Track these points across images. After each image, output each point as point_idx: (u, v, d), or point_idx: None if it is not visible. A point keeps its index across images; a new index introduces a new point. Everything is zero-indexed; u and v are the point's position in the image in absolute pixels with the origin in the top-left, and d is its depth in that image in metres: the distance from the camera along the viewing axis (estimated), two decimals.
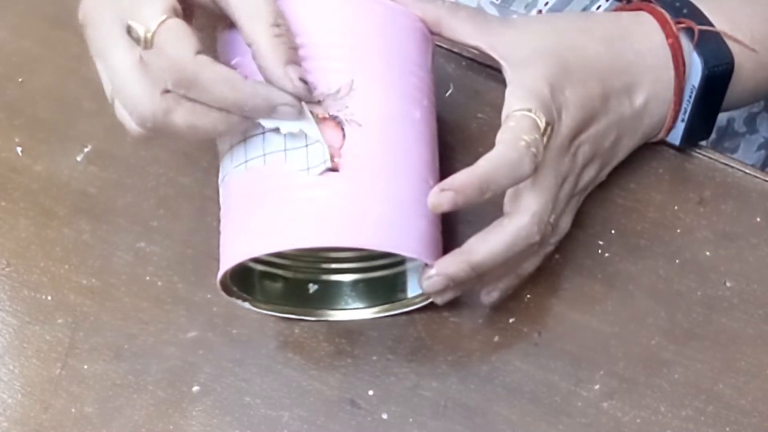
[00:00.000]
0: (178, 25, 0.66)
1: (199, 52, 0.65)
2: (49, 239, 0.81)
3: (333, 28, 0.71)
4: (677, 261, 0.78)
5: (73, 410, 0.76)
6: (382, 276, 0.77)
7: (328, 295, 0.77)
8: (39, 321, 0.78)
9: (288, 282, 0.77)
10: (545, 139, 0.70)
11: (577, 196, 0.76)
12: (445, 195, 0.67)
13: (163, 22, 0.65)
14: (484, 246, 0.71)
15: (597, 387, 0.75)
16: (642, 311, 0.77)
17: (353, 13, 0.71)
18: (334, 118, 0.69)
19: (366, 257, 0.76)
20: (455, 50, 0.84)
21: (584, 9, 0.86)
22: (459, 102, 0.78)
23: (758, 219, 0.80)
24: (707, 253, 0.79)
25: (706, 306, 0.77)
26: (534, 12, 0.86)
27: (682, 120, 0.79)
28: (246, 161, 0.70)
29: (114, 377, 0.77)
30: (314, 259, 0.77)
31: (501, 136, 0.69)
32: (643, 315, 0.77)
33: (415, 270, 0.76)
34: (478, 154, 0.79)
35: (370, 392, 0.76)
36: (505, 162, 0.68)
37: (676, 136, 0.80)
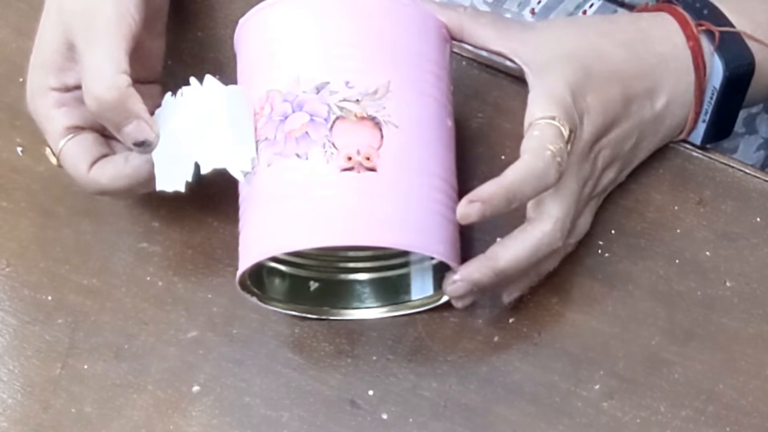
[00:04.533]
0: (71, 149, 0.74)
1: (92, 164, 0.74)
2: (49, 239, 0.81)
3: (369, 29, 0.71)
4: (677, 261, 0.78)
5: (72, 410, 0.76)
6: (387, 276, 0.77)
7: (333, 294, 0.77)
8: (39, 321, 0.79)
9: (293, 279, 0.77)
10: (569, 146, 0.70)
11: (596, 197, 0.77)
12: (473, 206, 0.68)
13: (61, 148, 0.74)
14: (508, 252, 0.71)
15: (597, 387, 0.75)
16: (642, 311, 0.77)
17: (388, 14, 0.72)
18: (372, 118, 0.69)
19: (377, 257, 0.77)
20: (455, 50, 0.84)
21: (577, 7, 0.86)
22: (459, 102, 0.77)
23: (758, 219, 0.79)
24: (707, 253, 0.79)
25: (706, 306, 0.77)
26: (527, 11, 0.86)
27: (703, 120, 0.79)
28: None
29: (114, 377, 0.77)
30: (328, 258, 0.77)
31: (526, 145, 0.70)
32: (643, 315, 0.77)
33: (419, 272, 0.76)
34: (478, 153, 0.80)
35: (370, 392, 0.76)
36: (532, 172, 0.68)
37: (696, 136, 0.80)
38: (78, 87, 0.73)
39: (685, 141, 0.80)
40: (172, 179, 0.72)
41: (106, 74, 0.71)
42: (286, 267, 0.76)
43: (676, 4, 0.79)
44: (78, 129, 0.74)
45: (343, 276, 0.77)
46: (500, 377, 0.76)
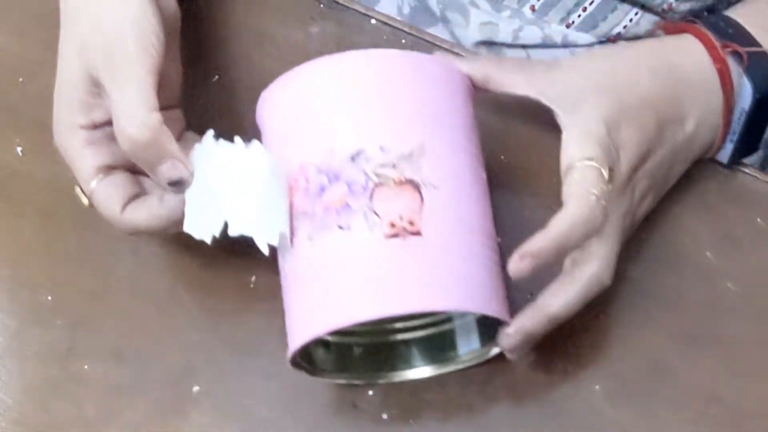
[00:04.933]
0: (104, 190, 0.73)
1: (125, 204, 0.73)
2: (49, 241, 0.81)
3: (398, 91, 0.70)
4: (678, 262, 0.78)
5: (72, 411, 0.76)
6: (432, 334, 0.76)
7: (378, 357, 0.76)
8: (39, 322, 0.78)
9: (338, 347, 0.75)
10: (610, 186, 0.70)
11: (634, 227, 0.77)
12: (524, 262, 0.67)
13: (92, 188, 0.73)
14: (559, 299, 0.71)
15: (597, 387, 0.75)
16: (643, 313, 0.77)
17: (415, 74, 0.71)
18: (410, 181, 0.68)
19: (420, 315, 0.75)
20: (455, 50, 0.84)
21: (576, 4, 0.85)
22: None
23: (759, 220, 0.79)
24: (709, 255, 0.78)
25: (708, 308, 0.77)
26: (527, 7, 0.86)
27: (731, 141, 0.78)
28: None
29: (114, 379, 0.77)
30: (372, 323, 0.73)
31: (569, 191, 0.69)
32: (645, 317, 0.76)
33: (463, 327, 0.75)
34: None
35: (371, 393, 0.76)
36: (578, 220, 0.68)
37: (724, 155, 0.79)
38: (106, 123, 0.73)
39: (711, 160, 0.80)
40: (201, 227, 0.71)
41: (138, 114, 0.70)
42: (331, 336, 0.74)
43: (699, 23, 0.78)
44: (109, 168, 0.73)
45: (387, 338, 0.76)
46: (500, 377, 0.75)
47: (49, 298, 0.79)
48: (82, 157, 0.73)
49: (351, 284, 0.67)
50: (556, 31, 0.87)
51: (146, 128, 0.70)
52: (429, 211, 0.68)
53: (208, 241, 0.70)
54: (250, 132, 0.81)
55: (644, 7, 0.86)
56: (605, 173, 0.69)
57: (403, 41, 0.84)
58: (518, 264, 0.67)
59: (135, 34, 0.71)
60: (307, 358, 0.72)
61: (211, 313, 0.78)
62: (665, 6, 0.85)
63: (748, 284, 0.78)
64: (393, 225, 0.67)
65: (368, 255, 0.67)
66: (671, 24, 0.82)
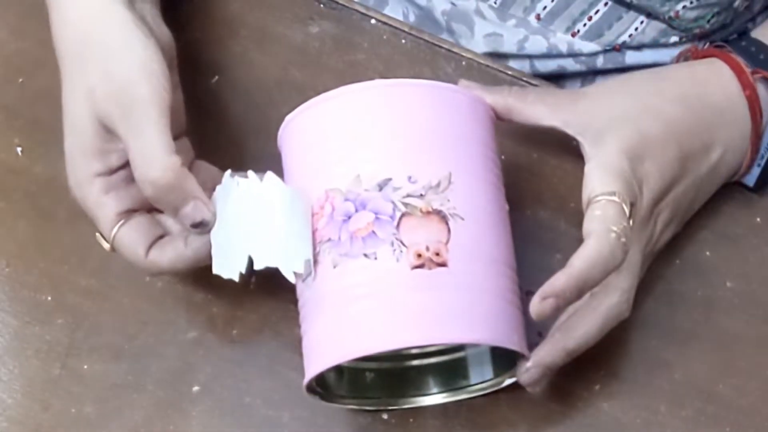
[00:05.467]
0: (126, 235, 0.73)
1: (149, 247, 0.73)
2: (48, 240, 0.80)
3: (424, 120, 0.70)
4: (677, 261, 0.78)
5: (72, 410, 0.76)
6: (443, 362, 0.76)
7: (389, 382, 0.75)
8: (38, 321, 0.78)
9: (350, 372, 0.75)
10: (631, 222, 0.69)
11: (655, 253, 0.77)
12: (547, 303, 0.67)
13: (115, 234, 0.73)
14: (578, 332, 0.71)
15: (597, 387, 0.75)
16: (642, 311, 0.77)
17: (441, 104, 0.71)
18: (438, 212, 0.68)
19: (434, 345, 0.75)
20: (454, 50, 0.84)
21: (582, 13, 0.86)
22: None
23: (758, 219, 0.80)
24: (707, 254, 0.79)
25: (706, 306, 0.77)
26: (532, 16, 0.86)
27: (759, 165, 0.78)
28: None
29: (114, 377, 0.77)
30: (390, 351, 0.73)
31: (589, 227, 0.69)
32: (644, 315, 0.77)
33: (476, 356, 0.75)
34: None
35: None
36: (599, 258, 0.67)
37: (750, 179, 0.79)
38: (122, 167, 0.73)
39: (738, 183, 0.80)
40: (227, 266, 0.71)
41: (158, 158, 0.69)
42: (346, 362, 0.73)
43: (728, 47, 0.78)
44: (129, 213, 0.73)
45: (400, 364, 0.76)
46: None
47: (49, 297, 0.79)
48: (103, 206, 0.73)
49: (375, 312, 0.67)
50: (561, 40, 0.87)
51: (168, 172, 0.70)
52: (455, 243, 0.68)
53: (236, 278, 0.70)
54: (251, 132, 0.82)
55: (650, 15, 0.85)
56: (626, 209, 0.69)
57: (403, 41, 0.84)
58: (540, 306, 0.67)
59: (145, 78, 0.71)
60: (321, 383, 0.72)
61: (210, 312, 0.78)
62: (672, 14, 0.84)
63: (746, 283, 0.78)
64: (419, 255, 0.67)
65: (394, 284, 0.67)
66: (699, 49, 0.81)
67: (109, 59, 0.72)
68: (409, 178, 0.68)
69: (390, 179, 0.68)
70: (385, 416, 0.75)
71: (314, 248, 0.69)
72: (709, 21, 0.85)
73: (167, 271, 0.74)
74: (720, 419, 0.75)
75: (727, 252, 0.79)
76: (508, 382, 0.73)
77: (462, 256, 0.68)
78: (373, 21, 0.85)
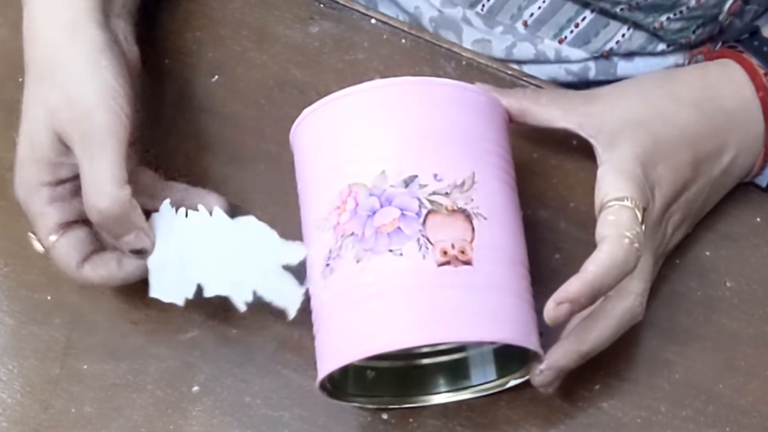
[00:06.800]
0: (62, 247, 0.74)
1: (83, 259, 0.74)
2: None
3: (447, 119, 0.70)
4: (677, 261, 0.78)
5: (72, 410, 0.76)
6: (445, 361, 0.76)
7: (391, 380, 0.75)
8: (37, 321, 0.78)
9: (354, 369, 0.75)
10: (643, 227, 0.69)
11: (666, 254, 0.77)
12: (562, 308, 0.67)
13: (52, 244, 0.74)
14: (592, 335, 0.71)
15: (597, 387, 0.76)
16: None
17: (463, 104, 0.71)
18: (462, 211, 0.68)
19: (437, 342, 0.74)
20: (454, 50, 0.84)
21: (569, 20, 0.85)
22: None
23: (758, 219, 0.80)
24: (707, 254, 0.79)
25: (706, 306, 0.77)
26: (519, 23, 0.86)
27: None
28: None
29: (113, 377, 0.77)
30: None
31: (602, 232, 0.69)
32: (644, 315, 0.76)
33: (478, 357, 0.75)
34: None
35: None
36: (612, 263, 0.68)
37: (762, 180, 0.79)
38: (70, 179, 0.73)
39: (751, 183, 0.80)
40: (170, 291, 0.74)
41: (108, 190, 0.71)
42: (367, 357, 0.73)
43: (741, 47, 0.78)
44: (69, 224, 0.74)
45: (409, 362, 0.76)
46: None
47: (48, 297, 0.79)
48: (45, 214, 0.74)
49: (400, 308, 0.67)
50: (549, 46, 0.87)
51: (117, 204, 0.71)
52: (479, 242, 0.68)
53: (181, 304, 0.73)
54: (251, 131, 0.82)
55: (636, 25, 0.85)
56: (639, 215, 0.69)
57: (403, 41, 0.84)
58: (555, 311, 0.67)
59: (107, 106, 0.72)
60: (328, 380, 0.72)
61: (210, 311, 0.78)
62: (656, 24, 0.84)
63: (746, 283, 0.78)
64: (445, 253, 0.67)
65: (419, 281, 0.67)
66: (713, 50, 0.81)
67: (72, 84, 0.73)
68: (435, 176, 0.68)
69: (416, 176, 0.68)
70: (384, 416, 0.75)
71: (337, 241, 0.69)
72: (694, 32, 0.85)
73: (97, 285, 0.75)
74: (720, 419, 0.75)
75: (727, 252, 0.79)
76: (513, 383, 0.73)
77: (485, 256, 0.68)
78: (373, 21, 0.85)
